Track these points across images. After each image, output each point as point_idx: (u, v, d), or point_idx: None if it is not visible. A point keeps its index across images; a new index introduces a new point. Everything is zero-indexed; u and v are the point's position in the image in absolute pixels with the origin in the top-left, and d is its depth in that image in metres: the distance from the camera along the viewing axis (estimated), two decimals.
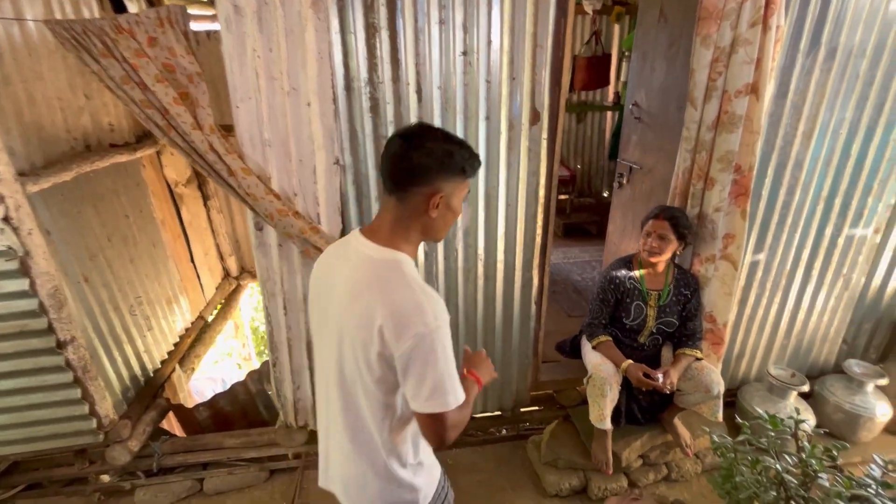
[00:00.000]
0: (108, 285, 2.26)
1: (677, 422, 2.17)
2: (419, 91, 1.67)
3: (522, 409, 2.44)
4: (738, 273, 1.97)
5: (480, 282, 2.02)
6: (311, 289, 1.06)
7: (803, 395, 2.23)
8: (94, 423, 1.98)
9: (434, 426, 0.90)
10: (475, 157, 0.94)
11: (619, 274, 1.99)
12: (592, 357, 2.00)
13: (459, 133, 1.75)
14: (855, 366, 2.34)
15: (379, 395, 0.92)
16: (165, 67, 1.52)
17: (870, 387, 2.28)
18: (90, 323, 2.09)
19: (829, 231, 2.19)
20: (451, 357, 0.88)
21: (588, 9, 3.68)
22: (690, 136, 1.89)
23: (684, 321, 2.00)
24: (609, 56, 4.23)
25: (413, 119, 1.70)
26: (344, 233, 1.81)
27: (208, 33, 1.81)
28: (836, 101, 1.91)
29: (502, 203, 1.89)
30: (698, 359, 1.96)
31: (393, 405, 0.95)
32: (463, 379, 1.01)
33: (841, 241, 2.22)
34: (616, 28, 4.46)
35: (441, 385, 0.86)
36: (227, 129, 1.63)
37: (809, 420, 2.22)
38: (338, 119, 1.66)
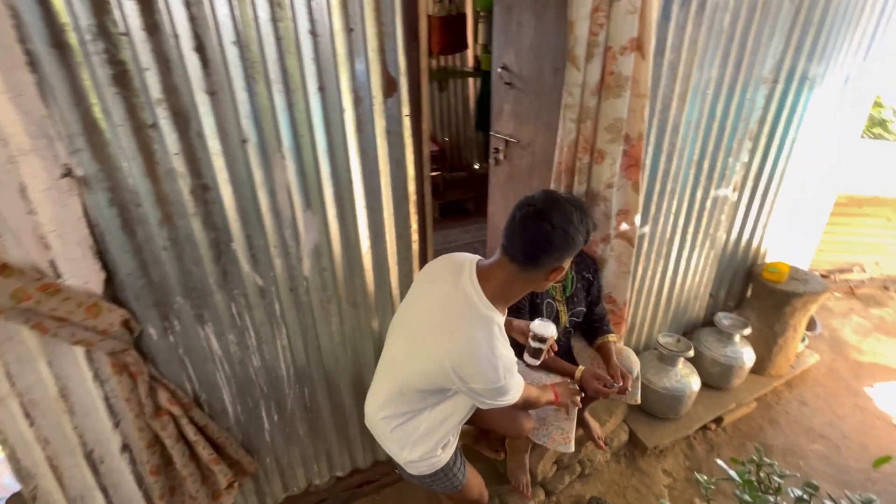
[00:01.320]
0: None
1: (587, 415, 2.02)
2: (201, 49, 1.04)
3: None
4: (634, 250, 1.81)
5: (347, 313, 1.52)
6: (418, 281, 1.25)
7: None
8: None
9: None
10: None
11: None
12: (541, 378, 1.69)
13: (280, 113, 1.18)
14: (724, 318, 2.46)
15: (414, 400, 1.18)
16: None
17: (737, 337, 2.42)
18: None
19: (699, 194, 2.18)
20: (511, 389, 1.12)
21: None
22: (573, 102, 1.61)
23: (590, 306, 1.82)
24: (464, 16, 3.86)
25: (199, 95, 1.07)
26: (111, 281, 1.14)
27: None
28: (704, 59, 1.80)
29: (361, 207, 1.39)
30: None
31: (418, 412, 1.21)
32: (545, 387, 1.42)
33: (708, 203, 2.24)
34: None
35: (497, 402, 1.13)
36: None
37: (695, 380, 2.27)
38: (51, 100, 0.96)
